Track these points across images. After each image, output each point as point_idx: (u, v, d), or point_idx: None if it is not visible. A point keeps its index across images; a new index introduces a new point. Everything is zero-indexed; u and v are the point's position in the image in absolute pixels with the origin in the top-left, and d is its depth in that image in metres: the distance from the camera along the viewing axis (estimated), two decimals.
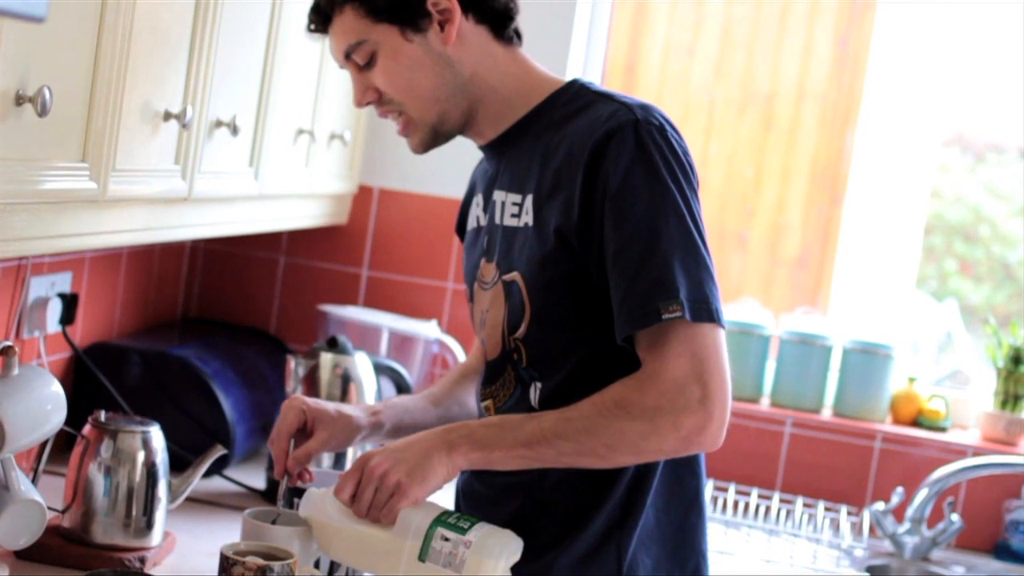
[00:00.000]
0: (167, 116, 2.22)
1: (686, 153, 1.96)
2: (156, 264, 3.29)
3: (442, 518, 1.90)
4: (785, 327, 3.61)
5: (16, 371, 2.15)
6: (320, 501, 1.96)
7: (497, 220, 2.08)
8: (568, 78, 2.09)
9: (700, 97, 5.61)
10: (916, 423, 3.52)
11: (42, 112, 1.78)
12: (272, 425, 2.98)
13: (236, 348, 3.26)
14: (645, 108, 1.97)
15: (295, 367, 2.87)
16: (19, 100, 1.77)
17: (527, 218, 2.01)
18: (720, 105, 5.65)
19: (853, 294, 5.21)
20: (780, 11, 6.17)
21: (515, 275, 2.02)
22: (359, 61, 2.04)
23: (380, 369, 2.94)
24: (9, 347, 2.15)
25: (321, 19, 2.06)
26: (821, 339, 3.54)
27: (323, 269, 3.49)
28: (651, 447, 1.88)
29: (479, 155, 3.36)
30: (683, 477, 2.05)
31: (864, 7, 6.18)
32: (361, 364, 2.88)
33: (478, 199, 2.18)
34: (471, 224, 2.20)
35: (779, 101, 6.35)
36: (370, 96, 2.07)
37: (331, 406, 2.15)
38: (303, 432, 2.13)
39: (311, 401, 2.14)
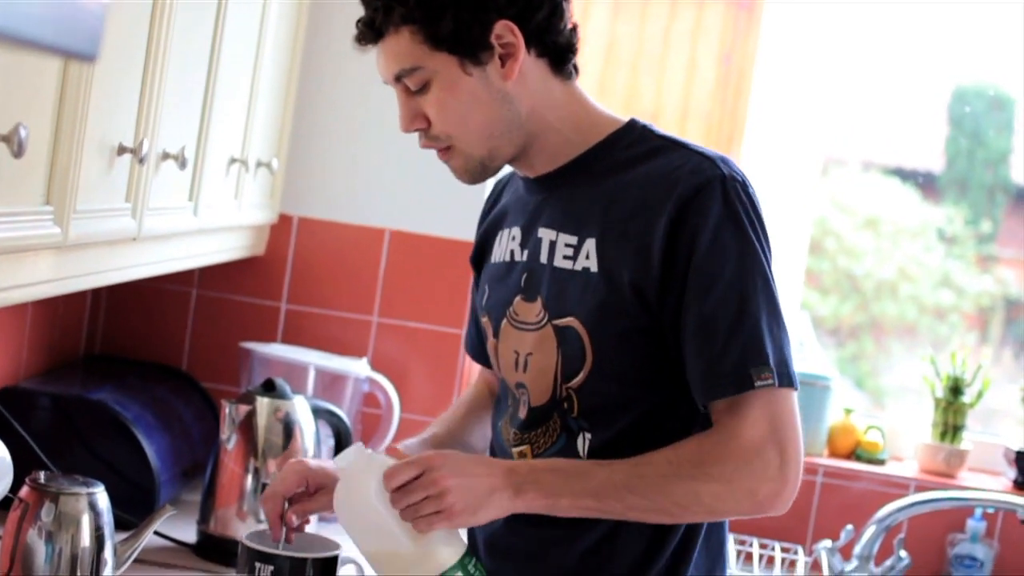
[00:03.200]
0: (122, 150, 2.05)
1: (762, 210, 1.91)
2: (61, 299, 3.07)
3: (465, 561, 1.87)
4: None
5: None
6: (364, 466, 1.88)
7: (543, 259, 1.97)
8: (625, 117, 1.99)
9: None
10: (853, 456, 3.45)
11: (18, 152, 1.59)
12: (196, 470, 2.81)
13: (149, 388, 3.06)
14: (727, 162, 1.89)
15: (229, 412, 2.68)
16: None
17: (587, 263, 1.91)
18: None
19: None
20: (664, 29, 6.11)
21: (572, 321, 1.92)
22: (412, 87, 1.92)
23: (318, 413, 2.76)
24: None
25: (373, 34, 1.92)
26: None
27: (239, 302, 3.30)
28: (725, 509, 1.86)
29: (404, 181, 3.25)
30: (714, 531, 2.00)
31: (748, 23, 6.15)
32: (300, 408, 2.70)
33: (514, 232, 2.05)
34: (500, 256, 2.07)
35: (664, 119, 6.30)
36: (419, 123, 1.95)
37: (320, 465, 2.02)
38: (302, 494, 2.01)
39: (314, 464, 2.02)
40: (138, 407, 2.87)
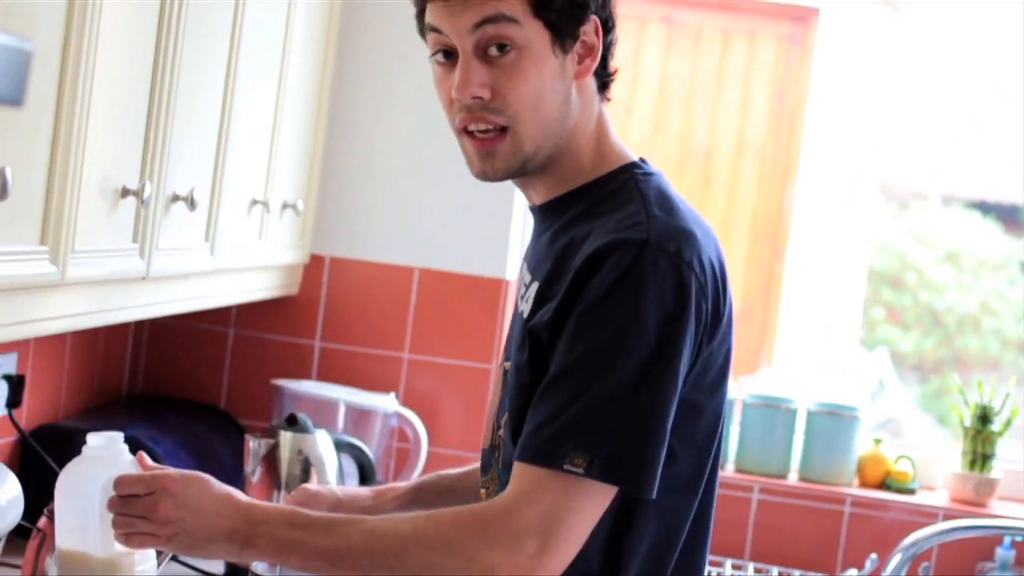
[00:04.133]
0: (125, 192, 2.13)
1: (699, 292, 1.71)
2: (102, 340, 3.17)
3: None
4: (748, 390, 3.54)
5: None
6: (108, 458, 1.83)
7: (518, 296, 1.89)
8: (633, 156, 1.89)
9: (639, 153, 5.55)
10: (884, 485, 3.46)
11: (1, 194, 1.67)
12: None
13: (187, 425, 3.15)
14: (670, 231, 1.72)
15: (254, 447, 2.76)
16: None
17: (525, 306, 1.81)
18: (659, 162, 5.61)
19: (798, 347, 5.17)
20: (716, 66, 6.16)
21: (507, 364, 1.84)
22: (492, 43, 1.75)
23: (341, 446, 2.83)
24: None
25: None
26: (786, 402, 3.48)
27: (274, 341, 3.38)
28: None
29: (433, 219, 3.32)
30: (694, 555, 1.85)
31: (800, 59, 6.18)
32: (322, 442, 2.77)
33: (522, 270, 1.96)
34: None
35: (717, 156, 6.34)
36: (483, 92, 1.76)
37: (339, 490, 2.06)
38: None
39: (314, 487, 2.05)
40: (172, 443, 2.96)
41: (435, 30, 1.78)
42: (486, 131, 1.78)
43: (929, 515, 3.33)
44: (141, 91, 2.16)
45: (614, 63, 1.86)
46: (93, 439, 1.86)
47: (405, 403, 3.27)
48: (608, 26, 1.82)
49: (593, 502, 1.66)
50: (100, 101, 1.98)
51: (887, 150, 6.65)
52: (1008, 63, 6.09)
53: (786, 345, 5.16)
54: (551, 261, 1.80)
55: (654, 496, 1.69)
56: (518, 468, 1.68)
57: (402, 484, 2.15)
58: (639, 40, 5.53)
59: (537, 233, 1.91)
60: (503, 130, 1.78)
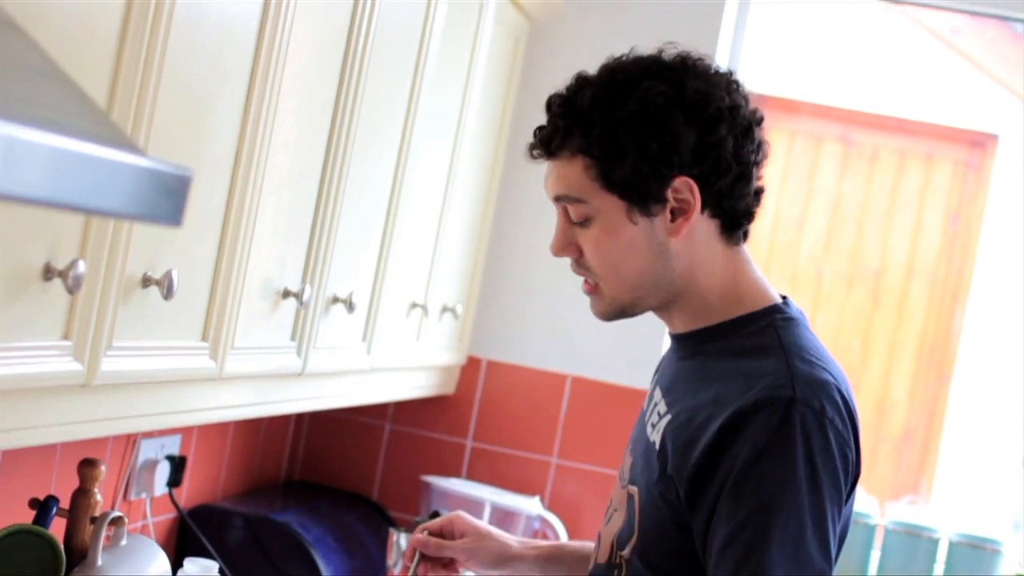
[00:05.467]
0: (286, 294, 2.25)
1: (844, 446, 1.74)
2: (263, 428, 3.31)
3: None
4: (891, 516, 3.54)
5: (124, 541, 2.17)
6: None
7: (646, 418, 1.90)
8: (777, 297, 1.89)
9: (809, 269, 5.59)
10: None
11: (167, 295, 1.81)
12: None
13: (337, 515, 3.26)
14: (812, 384, 1.74)
15: (397, 540, 2.87)
16: (146, 282, 1.80)
17: (656, 436, 1.83)
18: (828, 278, 5.64)
19: (959, 473, 5.11)
20: (891, 187, 6.17)
21: (634, 490, 1.86)
22: (573, 218, 1.84)
23: None
24: (119, 518, 2.16)
25: (546, 151, 1.85)
26: (928, 531, 3.47)
27: (428, 438, 3.50)
28: None
29: (586, 329, 3.41)
30: None
31: (976, 185, 6.17)
32: None
33: (653, 384, 1.99)
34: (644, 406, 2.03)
35: (888, 276, 6.33)
36: (571, 253, 1.86)
37: (484, 525, 2.12)
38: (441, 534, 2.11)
39: (470, 519, 2.13)
40: (321, 530, 3.08)
41: None
42: (585, 282, 1.89)
43: None
44: (308, 199, 2.29)
45: (747, 203, 1.85)
46: (189, 567, 2.02)
47: (548, 506, 3.35)
48: (713, 175, 1.80)
49: None
50: (267, 211, 2.11)
51: None
52: None
53: (947, 469, 5.11)
54: (687, 396, 1.83)
55: None
56: None
57: (544, 542, 2.20)
58: (815, 158, 5.59)
59: (675, 357, 1.93)
60: (596, 285, 1.87)
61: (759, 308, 1.86)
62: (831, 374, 1.78)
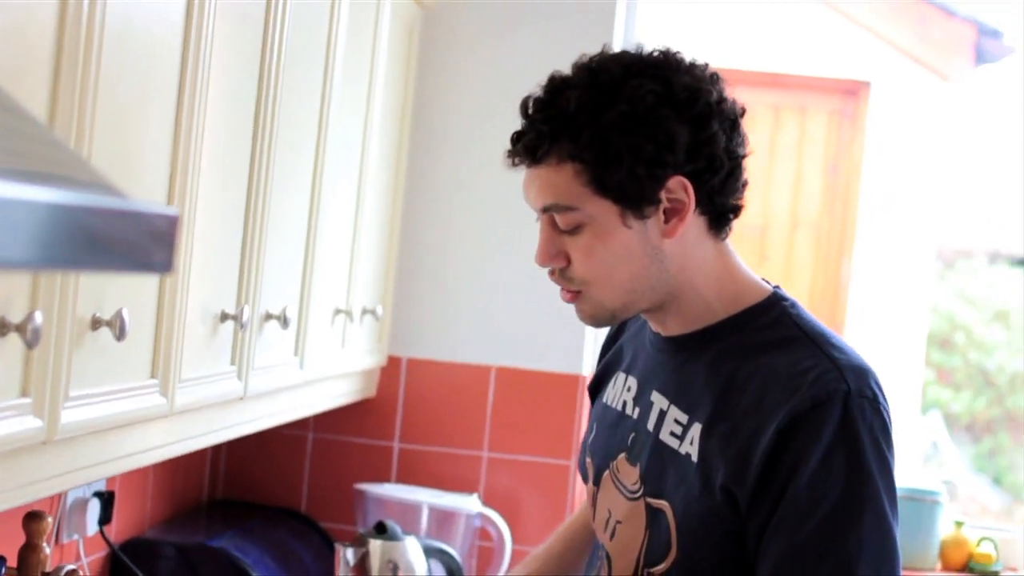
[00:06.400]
0: (224, 317, 2.16)
1: (892, 426, 1.74)
2: None
3: None
4: None
5: None
6: None
7: (650, 427, 1.84)
8: (768, 286, 1.85)
9: None
10: (967, 568, 3.44)
11: (120, 335, 1.70)
12: None
13: (269, 532, 3.16)
14: (857, 373, 1.72)
15: (344, 555, 2.78)
16: (95, 324, 1.70)
17: (690, 448, 1.77)
18: None
19: None
20: (768, 142, 6.19)
21: (664, 505, 1.79)
22: (561, 225, 1.77)
23: (430, 552, 2.85)
24: (73, 571, 2.06)
25: (530, 158, 1.77)
26: None
27: (353, 444, 3.40)
28: None
29: (507, 318, 3.34)
30: None
31: (852, 133, 6.21)
32: (412, 549, 2.79)
33: (630, 382, 1.92)
34: (614, 401, 1.95)
35: (773, 231, 6.36)
36: (559, 262, 1.78)
37: None
38: None
39: None
40: (258, 552, 2.97)
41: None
42: (566, 290, 1.81)
43: None
44: (236, 217, 2.20)
45: (736, 198, 1.79)
46: None
47: (486, 501, 3.28)
48: (706, 173, 1.75)
49: None
50: (201, 235, 2.01)
51: (933, 213, 6.66)
52: None
53: None
54: (711, 400, 1.78)
55: None
56: None
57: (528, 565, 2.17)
58: None
59: (670, 360, 1.86)
60: (579, 292, 1.79)
61: (762, 299, 1.82)
62: (861, 357, 1.76)
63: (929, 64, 5.75)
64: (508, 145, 1.80)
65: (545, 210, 1.77)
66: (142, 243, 1.14)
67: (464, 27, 3.31)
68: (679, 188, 1.73)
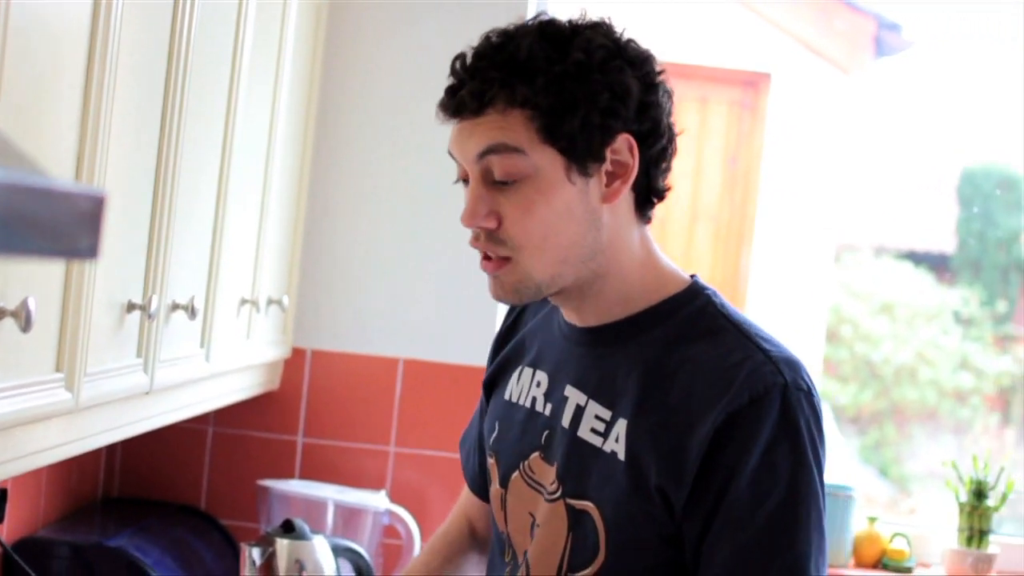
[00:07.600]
0: (131, 307, 2.05)
1: (823, 420, 1.69)
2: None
3: None
4: None
5: None
6: None
7: (566, 423, 1.74)
8: (686, 275, 1.78)
9: None
10: (880, 565, 3.41)
11: (26, 327, 1.59)
12: None
13: (168, 530, 3.04)
14: (791, 365, 1.67)
15: (249, 554, 2.66)
16: None
17: (615, 446, 1.69)
18: None
19: None
20: None
21: (589, 506, 1.71)
22: (496, 174, 1.66)
23: (338, 551, 2.75)
24: None
25: (475, 104, 1.66)
26: None
27: (255, 438, 3.28)
28: None
29: (414, 310, 3.26)
30: None
31: (752, 124, 6.18)
32: (320, 549, 2.68)
33: (539, 377, 1.81)
34: (519, 397, 1.84)
35: (672, 222, 6.32)
36: (489, 222, 1.67)
37: None
38: None
39: None
40: (158, 552, 2.86)
41: (451, 155, 1.72)
42: (489, 260, 1.70)
43: None
44: (143, 202, 2.09)
45: (664, 179, 1.73)
46: None
47: (393, 498, 3.18)
48: (651, 138, 1.68)
49: None
50: (108, 223, 1.90)
51: (831, 206, 6.69)
52: (939, 115, 6.18)
53: None
54: (635, 394, 1.70)
55: None
56: None
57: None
58: None
59: (584, 352, 1.77)
60: (507, 259, 1.68)
61: (682, 289, 1.75)
62: (789, 348, 1.71)
63: (830, 56, 5.74)
64: (430, 115, 1.74)
65: (484, 154, 1.66)
66: (68, 226, 1.04)
67: (371, 17, 3.22)
68: (625, 148, 1.66)
